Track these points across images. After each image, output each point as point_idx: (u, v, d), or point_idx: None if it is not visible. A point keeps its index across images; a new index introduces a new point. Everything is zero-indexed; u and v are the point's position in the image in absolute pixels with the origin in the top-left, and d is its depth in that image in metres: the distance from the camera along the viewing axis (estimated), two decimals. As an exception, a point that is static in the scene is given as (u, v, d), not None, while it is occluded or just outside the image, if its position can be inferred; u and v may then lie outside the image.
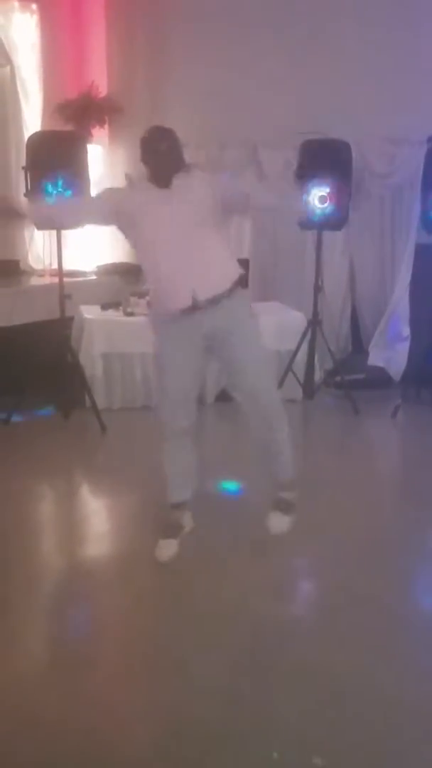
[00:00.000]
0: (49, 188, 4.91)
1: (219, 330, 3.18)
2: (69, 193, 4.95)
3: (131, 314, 5.57)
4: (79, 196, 4.69)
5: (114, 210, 3.25)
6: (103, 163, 6.83)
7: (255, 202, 3.42)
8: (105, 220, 3.39)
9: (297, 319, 5.86)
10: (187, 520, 3.56)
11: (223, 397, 5.82)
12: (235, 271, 3.25)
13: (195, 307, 3.12)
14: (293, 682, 2.60)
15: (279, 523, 3.40)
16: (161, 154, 3.12)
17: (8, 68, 6.46)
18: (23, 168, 5.10)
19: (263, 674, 2.64)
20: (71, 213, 3.66)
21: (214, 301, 3.14)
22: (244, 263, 6.06)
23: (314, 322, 5.70)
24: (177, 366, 3.25)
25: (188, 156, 3.29)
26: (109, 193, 3.41)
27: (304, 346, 5.73)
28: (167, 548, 3.40)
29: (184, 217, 3.10)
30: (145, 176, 3.23)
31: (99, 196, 3.49)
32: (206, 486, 4.18)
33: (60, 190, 4.97)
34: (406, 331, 6.15)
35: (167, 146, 3.14)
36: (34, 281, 6.34)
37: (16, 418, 5.24)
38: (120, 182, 6.83)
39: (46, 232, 5.86)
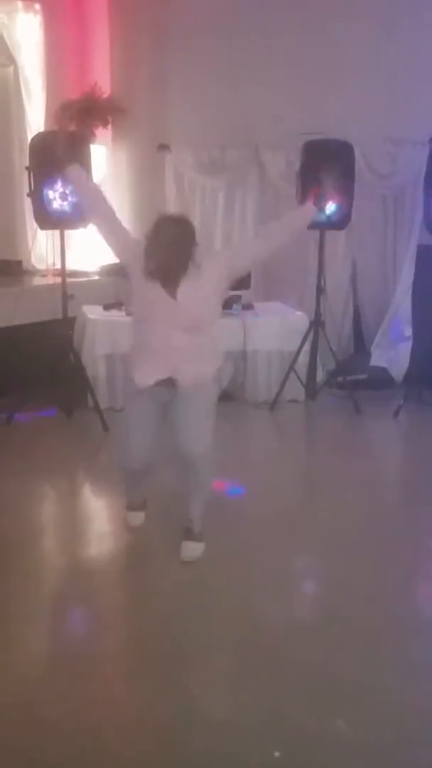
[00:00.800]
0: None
1: (177, 396, 3.28)
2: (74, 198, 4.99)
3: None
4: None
5: (129, 254, 3.21)
6: (107, 163, 6.84)
7: (272, 244, 3.57)
8: (117, 242, 3.32)
9: (299, 320, 5.86)
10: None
11: (224, 397, 5.83)
12: (217, 362, 3.43)
13: (169, 383, 3.23)
14: (295, 682, 2.60)
15: (190, 550, 3.40)
16: (166, 247, 3.03)
17: (11, 68, 6.46)
18: (26, 168, 5.11)
19: (265, 674, 2.64)
20: (100, 203, 3.49)
21: (189, 385, 3.24)
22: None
23: (316, 323, 5.71)
24: (139, 423, 3.35)
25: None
26: (135, 242, 3.24)
27: (307, 347, 5.74)
28: (135, 518, 3.69)
29: (186, 320, 3.15)
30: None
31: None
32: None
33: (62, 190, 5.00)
34: (408, 331, 6.15)
35: (174, 238, 3.05)
36: (37, 281, 6.35)
37: (18, 418, 5.25)
38: (122, 182, 6.85)
39: (49, 232, 5.86)
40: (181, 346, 3.17)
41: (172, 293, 3.12)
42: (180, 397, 3.25)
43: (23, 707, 2.47)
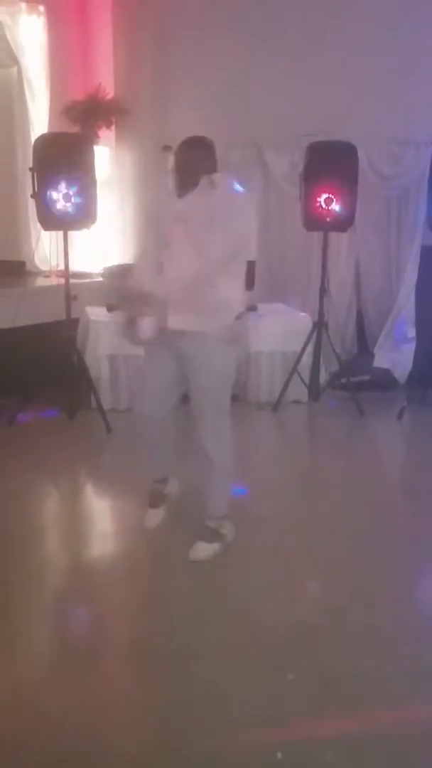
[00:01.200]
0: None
1: (184, 358, 3.21)
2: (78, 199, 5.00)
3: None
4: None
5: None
6: (110, 164, 6.84)
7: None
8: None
9: (302, 321, 5.86)
10: (171, 487, 3.66)
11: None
12: (221, 317, 3.17)
13: (163, 330, 3.13)
14: (298, 682, 2.59)
15: (199, 550, 3.34)
16: (181, 162, 3.16)
17: (15, 69, 6.48)
18: (30, 169, 5.12)
19: (268, 674, 2.64)
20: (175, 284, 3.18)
21: (181, 333, 3.13)
22: (249, 265, 6.12)
23: (320, 324, 5.70)
24: (152, 368, 3.36)
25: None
26: (152, 213, 3.43)
27: (310, 348, 5.74)
28: (153, 517, 3.61)
29: (187, 235, 3.08)
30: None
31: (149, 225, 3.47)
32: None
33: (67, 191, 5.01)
34: (412, 332, 6.14)
35: (189, 156, 3.16)
36: (40, 282, 6.35)
37: (21, 419, 5.25)
38: (126, 183, 6.86)
39: (53, 233, 5.88)
40: (177, 276, 3.07)
41: (181, 196, 3.12)
42: (189, 368, 3.19)
43: (26, 706, 2.47)
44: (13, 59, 6.43)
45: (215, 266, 3.09)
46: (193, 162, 3.14)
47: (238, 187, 3.23)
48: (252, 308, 5.96)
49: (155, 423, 3.39)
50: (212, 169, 3.16)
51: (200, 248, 3.04)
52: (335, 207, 5.41)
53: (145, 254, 3.39)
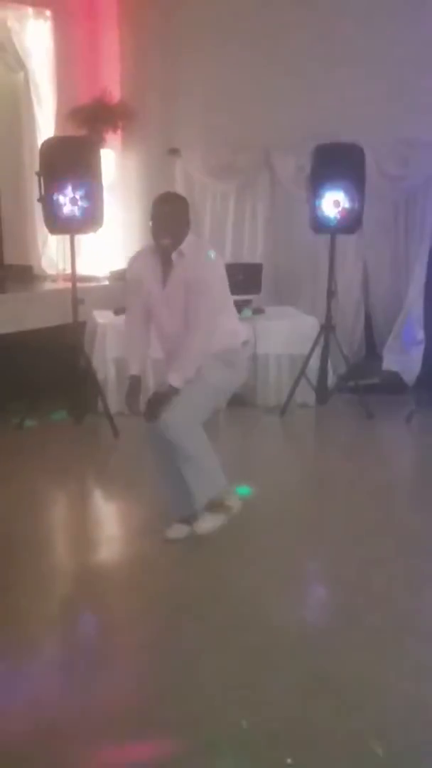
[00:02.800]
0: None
1: None
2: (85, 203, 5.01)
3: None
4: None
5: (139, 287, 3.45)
6: (116, 168, 6.85)
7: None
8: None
9: (310, 324, 5.84)
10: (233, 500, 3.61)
11: (235, 401, 5.81)
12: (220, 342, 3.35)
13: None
14: (308, 685, 2.57)
15: (204, 522, 3.41)
16: (162, 219, 3.29)
17: (22, 74, 6.49)
18: (36, 173, 5.12)
19: (277, 678, 2.61)
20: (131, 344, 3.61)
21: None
22: (257, 268, 6.14)
23: (327, 326, 5.68)
24: None
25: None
26: (129, 281, 3.55)
27: (318, 351, 5.71)
28: (177, 530, 3.56)
29: (173, 308, 3.34)
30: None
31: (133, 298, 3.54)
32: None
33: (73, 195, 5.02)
34: (421, 335, 6.10)
35: (172, 216, 3.29)
36: (48, 286, 6.36)
37: (29, 423, 5.25)
38: (132, 186, 6.86)
39: (60, 237, 5.88)
40: (169, 349, 3.40)
41: (165, 275, 3.35)
42: None
43: (36, 710, 2.46)
44: (20, 64, 6.44)
45: (210, 334, 3.30)
46: (170, 220, 3.29)
47: (210, 254, 3.41)
48: (259, 311, 5.96)
49: (166, 453, 3.40)
50: (186, 226, 3.34)
51: (187, 317, 3.28)
52: (342, 209, 5.39)
53: (131, 328, 3.57)
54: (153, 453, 3.53)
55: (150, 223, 3.33)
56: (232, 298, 3.53)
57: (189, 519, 3.53)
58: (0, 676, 2.66)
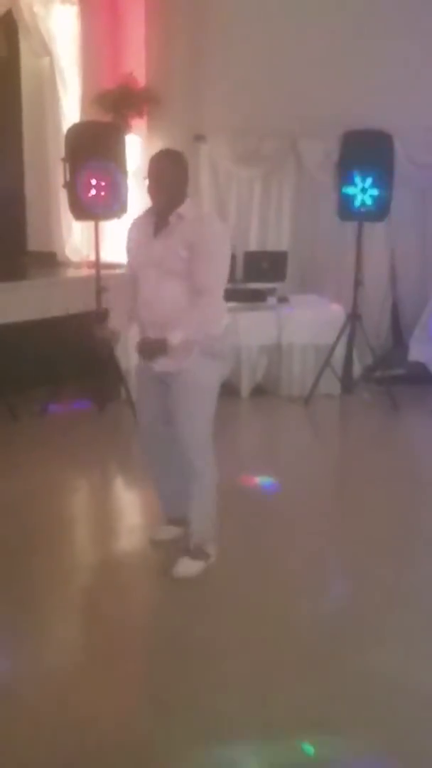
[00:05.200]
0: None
1: (166, 375, 3.09)
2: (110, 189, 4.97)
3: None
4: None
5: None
6: (141, 153, 6.79)
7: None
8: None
9: (335, 313, 5.78)
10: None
11: (258, 391, 5.78)
12: (192, 352, 3.02)
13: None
14: (327, 682, 2.54)
15: (183, 567, 3.17)
16: (160, 182, 3.00)
17: (48, 59, 6.45)
18: (62, 159, 5.09)
19: (296, 673, 2.59)
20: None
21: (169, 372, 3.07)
22: (282, 256, 6.07)
23: (354, 316, 5.61)
24: (141, 400, 3.37)
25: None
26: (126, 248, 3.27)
27: (343, 340, 5.64)
28: (164, 531, 3.47)
29: (159, 267, 3.00)
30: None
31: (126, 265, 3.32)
32: (241, 481, 4.15)
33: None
34: (448, 325, 6.02)
35: (169, 173, 3.01)
36: (71, 273, 6.34)
37: (52, 410, 5.25)
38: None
39: (84, 224, 5.86)
40: (156, 311, 3.01)
41: (158, 231, 3.03)
42: (171, 381, 3.07)
43: (55, 702, 2.45)
44: (46, 49, 6.40)
45: (221, 305, 3.05)
46: (167, 177, 3.01)
47: (219, 224, 3.19)
48: (283, 300, 5.90)
49: (157, 444, 3.29)
50: (183, 185, 3.05)
51: (193, 283, 2.95)
52: (370, 196, 5.31)
53: (120, 291, 3.34)
54: (146, 453, 3.39)
55: (145, 181, 3.06)
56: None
57: (179, 521, 3.40)
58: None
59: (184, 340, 2.94)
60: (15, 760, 2.21)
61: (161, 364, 3.05)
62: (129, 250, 3.25)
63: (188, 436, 3.08)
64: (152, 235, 3.05)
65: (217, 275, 3.02)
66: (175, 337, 2.93)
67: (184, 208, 3.01)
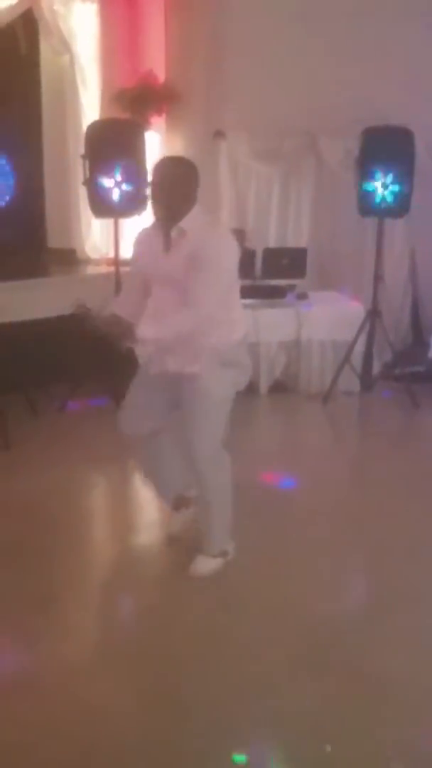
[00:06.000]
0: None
1: (178, 377, 3.04)
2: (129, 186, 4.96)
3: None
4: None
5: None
6: (161, 151, 6.80)
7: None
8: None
9: (355, 309, 5.75)
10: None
11: (277, 388, 5.76)
12: (204, 358, 2.98)
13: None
14: (346, 678, 2.54)
15: (201, 565, 3.16)
16: (157, 187, 2.90)
17: (67, 57, 6.47)
18: (82, 156, 5.11)
19: (316, 670, 2.59)
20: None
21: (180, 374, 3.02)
22: (301, 252, 6.05)
23: (373, 312, 5.58)
24: (137, 386, 3.25)
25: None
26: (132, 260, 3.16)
27: (362, 337, 5.62)
28: (173, 522, 3.49)
29: (168, 282, 2.92)
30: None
31: (132, 271, 3.22)
32: (258, 477, 4.15)
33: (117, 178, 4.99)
34: (469, 322, 5.98)
35: (170, 181, 2.88)
36: (91, 270, 6.36)
37: (71, 406, 5.27)
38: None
39: (103, 221, 5.86)
40: (171, 326, 2.92)
41: (166, 245, 2.93)
42: (182, 390, 3.03)
43: (75, 695, 2.47)
44: (66, 47, 6.41)
45: (207, 318, 2.92)
46: (167, 184, 2.88)
47: (225, 234, 3.06)
48: (302, 296, 5.88)
49: (142, 442, 3.27)
50: (187, 197, 2.90)
51: (188, 301, 2.87)
52: (391, 193, 5.29)
53: (126, 296, 3.24)
54: (141, 448, 3.36)
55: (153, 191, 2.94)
56: (238, 288, 3.12)
57: (181, 502, 3.43)
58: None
59: (152, 338, 2.87)
60: (33, 751, 2.23)
61: (174, 364, 3.01)
62: (134, 263, 3.16)
63: (197, 443, 3.03)
64: (162, 251, 2.95)
65: (209, 291, 2.87)
66: (145, 332, 2.83)
67: (188, 221, 2.88)
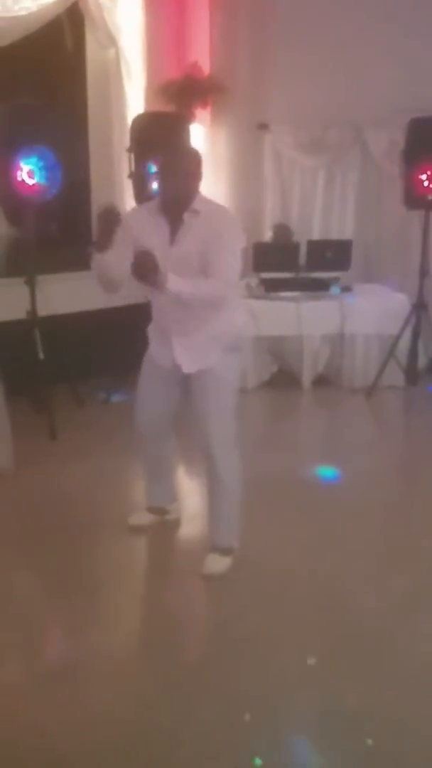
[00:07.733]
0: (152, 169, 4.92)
1: (191, 377, 3.10)
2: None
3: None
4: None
5: (129, 240, 2.91)
6: (205, 143, 6.80)
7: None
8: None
9: (400, 302, 5.69)
10: (174, 514, 3.65)
11: (320, 381, 5.74)
12: (222, 349, 3.04)
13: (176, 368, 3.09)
14: (391, 670, 2.54)
15: (214, 564, 3.17)
16: (176, 178, 2.87)
17: (113, 50, 6.49)
18: (127, 150, 5.14)
19: (360, 662, 2.59)
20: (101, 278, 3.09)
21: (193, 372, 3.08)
22: (346, 245, 6.01)
23: (419, 306, 5.52)
24: (145, 397, 3.31)
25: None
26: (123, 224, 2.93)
27: (408, 331, 5.56)
28: (141, 517, 3.57)
29: (186, 267, 2.87)
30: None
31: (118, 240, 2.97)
32: (301, 472, 4.14)
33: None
34: None
35: (185, 170, 2.87)
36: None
37: (116, 398, 5.32)
38: (221, 162, 6.81)
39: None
40: (177, 318, 3.00)
41: (173, 233, 2.91)
42: (193, 386, 3.10)
43: (110, 687, 2.50)
44: (111, 40, 6.43)
45: (229, 291, 2.98)
46: (174, 171, 2.88)
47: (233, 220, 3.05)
48: (347, 289, 5.84)
49: (151, 445, 3.39)
50: (196, 181, 2.92)
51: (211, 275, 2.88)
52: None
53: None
54: (142, 443, 3.43)
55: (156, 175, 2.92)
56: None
57: (159, 511, 3.55)
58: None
59: (177, 291, 2.82)
60: (72, 738, 2.27)
61: (187, 366, 3.05)
62: (122, 235, 2.90)
63: (214, 433, 3.08)
64: (168, 241, 2.93)
65: (229, 269, 2.91)
66: (172, 283, 2.79)
67: (198, 203, 2.91)
